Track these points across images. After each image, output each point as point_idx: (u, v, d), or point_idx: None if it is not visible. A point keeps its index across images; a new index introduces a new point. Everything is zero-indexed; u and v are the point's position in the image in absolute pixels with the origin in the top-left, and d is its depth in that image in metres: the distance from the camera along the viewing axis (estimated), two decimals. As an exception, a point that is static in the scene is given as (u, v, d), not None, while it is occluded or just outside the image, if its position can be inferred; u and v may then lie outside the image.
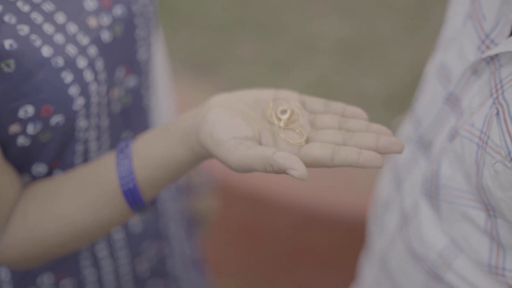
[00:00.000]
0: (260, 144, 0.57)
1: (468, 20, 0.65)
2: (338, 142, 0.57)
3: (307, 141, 0.58)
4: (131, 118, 0.77)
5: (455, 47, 0.67)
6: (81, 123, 0.68)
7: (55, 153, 0.69)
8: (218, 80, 2.20)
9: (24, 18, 0.62)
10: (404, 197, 0.73)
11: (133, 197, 0.63)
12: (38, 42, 0.62)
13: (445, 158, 0.65)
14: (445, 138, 0.66)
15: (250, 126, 0.57)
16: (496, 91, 0.58)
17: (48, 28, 0.64)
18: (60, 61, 0.63)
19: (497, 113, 0.57)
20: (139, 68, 0.75)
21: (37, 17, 0.64)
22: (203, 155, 0.60)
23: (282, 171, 0.53)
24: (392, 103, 2.07)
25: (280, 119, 0.59)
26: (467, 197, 0.63)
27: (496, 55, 0.60)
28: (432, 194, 0.67)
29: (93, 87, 0.66)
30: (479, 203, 0.62)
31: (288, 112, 0.59)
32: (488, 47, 0.61)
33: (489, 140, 0.58)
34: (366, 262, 0.87)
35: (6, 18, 0.61)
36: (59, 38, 0.64)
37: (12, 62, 0.60)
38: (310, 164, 0.55)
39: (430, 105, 0.70)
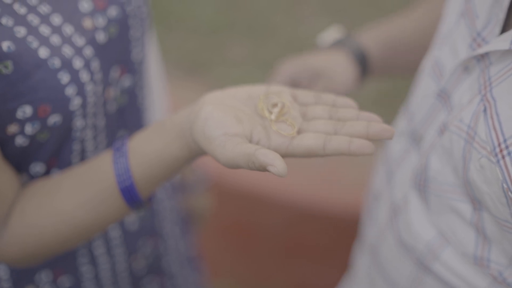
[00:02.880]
0: (251, 140, 0.57)
1: (461, 18, 0.66)
2: (329, 131, 0.57)
3: (299, 132, 0.58)
4: (126, 118, 0.78)
5: (449, 44, 0.68)
6: (78, 122, 0.68)
7: (52, 153, 0.69)
8: (209, 83, 2.20)
9: (21, 20, 0.63)
10: (395, 190, 0.74)
11: (130, 195, 0.64)
12: (35, 44, 0.63)
13: (434, 152, 0.66)
14: (435, 132, 0.67)
15: (241, 124, 0.57)
16: (485, 88, 0.60)
17: (44, 29, 0.65)
18: (56, 62, 0.64)
19: (484, 110, 0.58)
20: (133, 68, 0.76)
21: (33, 19, 0.64)
22: (197, 151, 0.61)
23: (262, 168, 0.53)
24: (382, 101, 2.08)
25: (271, 113, 0.60)
26: (455, 191, 0.64)
27: (487, 53, 0.61)
28: (421, 187, 0.69)
29: (89, 87, 0.67)
30: (466, 197, 0.63)
31: (279, 105, 0.60)
32: (479, 45, 0.62)
33: (476, 136, 0.59)
34: (358, 253, 0.88)
35: (3, 20, 0.62)
36: (55, 39, 0.65)
37: (10, 63, 0.61)
38: (303, 154, 0.56)
39: (423, 100, 0.71)
